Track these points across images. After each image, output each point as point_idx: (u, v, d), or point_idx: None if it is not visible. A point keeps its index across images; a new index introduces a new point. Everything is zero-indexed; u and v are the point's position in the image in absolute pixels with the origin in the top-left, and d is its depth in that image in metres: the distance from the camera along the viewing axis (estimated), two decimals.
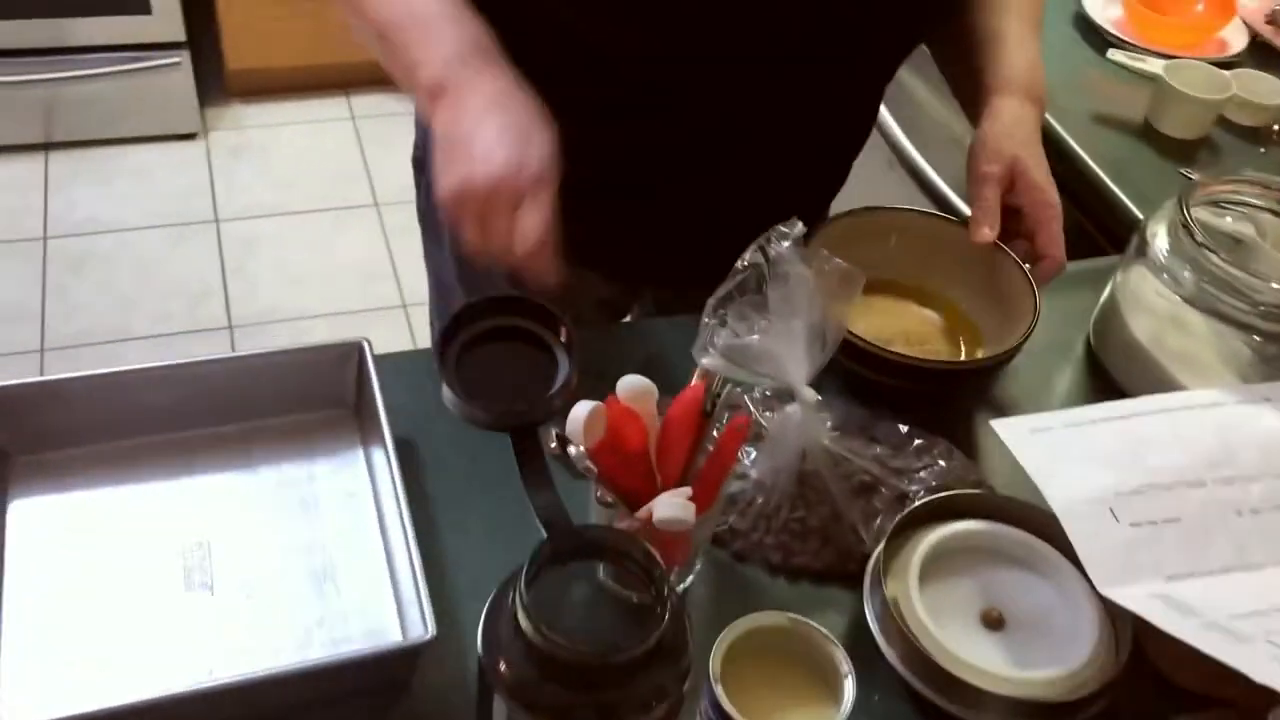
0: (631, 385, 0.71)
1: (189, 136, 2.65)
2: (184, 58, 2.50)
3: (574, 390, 0.59)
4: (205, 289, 2.35)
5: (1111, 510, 0.73)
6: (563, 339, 0.60)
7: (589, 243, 1.00)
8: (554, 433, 0.67)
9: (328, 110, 2.79)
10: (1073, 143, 1.22)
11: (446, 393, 0.57)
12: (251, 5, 2.52)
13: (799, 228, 0.74)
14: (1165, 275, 0.90)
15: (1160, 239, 0.91)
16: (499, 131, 0.74)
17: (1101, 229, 1.18)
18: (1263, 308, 0.86)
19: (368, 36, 0.82)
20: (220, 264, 2.41)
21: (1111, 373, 0.96)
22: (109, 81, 2.48)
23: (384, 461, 0.75)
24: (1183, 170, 1.20)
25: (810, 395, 0.75)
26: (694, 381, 0.73)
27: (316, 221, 2.54)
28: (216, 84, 2.73)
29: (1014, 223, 0.90)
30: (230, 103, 2.75)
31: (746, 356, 0.73)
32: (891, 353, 0.84)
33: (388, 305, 2.38)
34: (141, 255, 2.40)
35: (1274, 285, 0.86)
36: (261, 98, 2.76)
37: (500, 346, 0.59)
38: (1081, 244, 1.18)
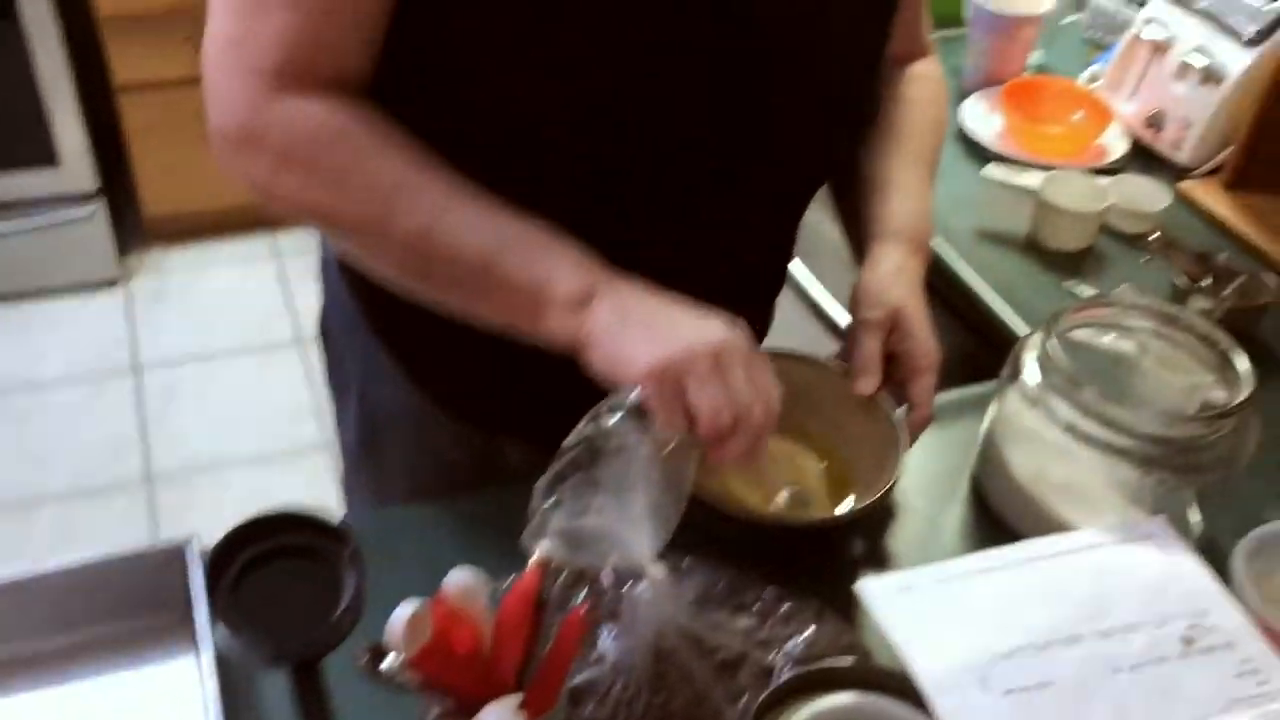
0: (460, 581, 0.66)
1: (109, 284, 2.61)
2: (98, 207, 2.47)
3: (361, 612, 0.55)
4: (124, 441, 2.29)
5: (983, 678, 0.69)
6: (348, 556, 0.56)
7: (508, 408, 0.98)
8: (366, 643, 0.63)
9: (252, 249, 2.76)
10: (958, 262, 1.20)
11: (220, 628, 0.53)
12: (166, 149, 2.50)
13: (632, 397, 0.71)
14: (1040, 407, 0.87)
15: (1031, 370, 0.88)
16: (692, 307, 0.75)
17: (990, 350, 1.15)
18: (1142, 438, 0.83)
19: (443, 277, 0.77)
20: (140, 414, 2.35)
21: (997, 510, 0.92)
22: (23, 237, 2.45)
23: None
24: (1067, 284, 1.18)
25: (658, 572, 0.71)
26: (529, 568, 0.69)
27: (240, 364, 2.49)
28: (135, 229, 2.70)
29: (888, 368, 0.88)
30: (150, 248, 2.72)
31: (585, 539, 0.69)
32: (737, 511, 0.80)
33: (313, 446, 2.32)
34: (59, 410, 2.34)
35: (1150, 415, 0.83)
36: (183, 241, 2.73)
37: (282, 568, 0.54)
38: (970, 367, 1.16)
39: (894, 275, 0.89)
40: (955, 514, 0.93)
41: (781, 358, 0.93)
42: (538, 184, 0.80)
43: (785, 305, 1.06)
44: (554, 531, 0.69)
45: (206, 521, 2.07)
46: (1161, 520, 0.81)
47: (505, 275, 0.75)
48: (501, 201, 0.77)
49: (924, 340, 0.87)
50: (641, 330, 0.73)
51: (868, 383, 0.86)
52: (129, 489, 2.20)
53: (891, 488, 0.83)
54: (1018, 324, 1.14)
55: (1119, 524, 0.81)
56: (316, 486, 2.21)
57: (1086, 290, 1.17)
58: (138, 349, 2.49)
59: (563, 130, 0.79)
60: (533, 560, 0.68)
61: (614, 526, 0.69)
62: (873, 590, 0.75)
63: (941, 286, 1.20)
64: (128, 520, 2.14)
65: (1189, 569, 0.77)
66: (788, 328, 1.08)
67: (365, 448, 1.08)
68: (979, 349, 1.18)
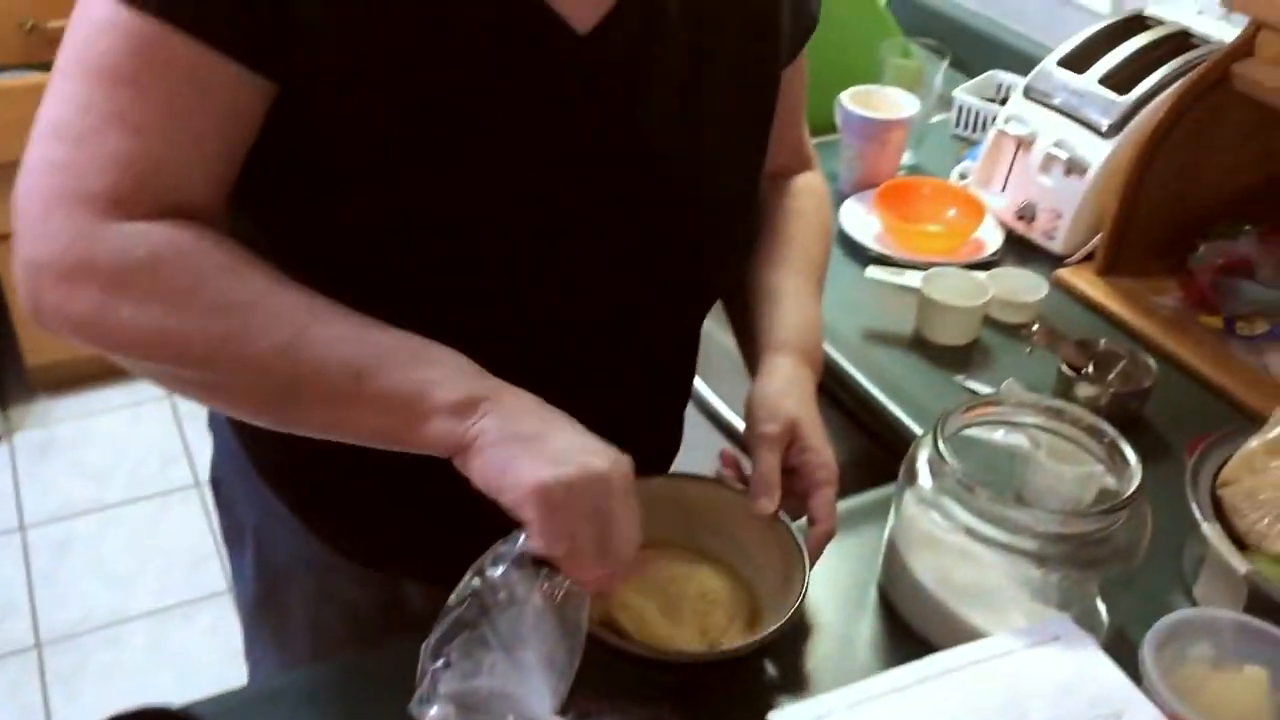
0: None
1: None
2: None
3: None
4: (8, 607, 2.16)
5: None
6: None
7: (408, 549, 0.95)
8: None
9: (143, 391, 2.68)
10: (848, 364, 1.21)
11: None
12: None
13: (519, 543, 0.69)
14: (937, 511, 0.87)
15: (925, 474, 0.88)
16: (579, 431, 0.72)
17: (887, 451, 1.16)
18: (1040, 537, 0.83)
19: (309, 395, 0.72)
20: (26, 576, 2.23)
21: (905, 618, 0.91)
22: None
23: None
24: (957, 379, 1.19)
25: None
26: None
27: (136, 512, 2.39)
28: (17, 381, 2.61)
29: (787, 482, 0.87)
30: (35, 399, 2.62)
31: (478, 701, 0.65)
32: (640, 649, 0.77)
33: (215, 591, 2.23)
34: None
35: (1044, 514, 0.83)
36: (69, 389, 2.64)
37: None
38: (869, 470, 1.16)
39: (786, 387, 0.89)
40: (865, 626, 0.92)
41: (678, 479, 0.92)
42: (423, 311, 0.77)
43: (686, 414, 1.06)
44: (445, 695, 0.65)
45: (101, 686, 1.95)
46: (1068, 618, 0.81)
47: (381, 385, 0.71)
48: (373, 318, 0.73)
49: (822, 452, 0.87)
50: (528, 446, 0.70)
51: (767, 502, 0.85)
52: (17, 656, 2.07)
53: (798, 608, 0.80)
54: (912, 423, 1.14)
55: (1027, 626, 0.80)
56: (219, 635, 2.12)
57: (976, 385, 1.18)
58: (23, 507, 2.38)
59: (450, 258, 0.77)
60: None
61: (509, 685, 0.66)
62: None
63: (834, 390, 1.21)
64: (17, 690, 2.01)
65: (1100, 668, 0.77)
66: (687, 436, 1.07)
67: (265, 600, 1.05)
68: (877, 451, 1.18)
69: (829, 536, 0.85)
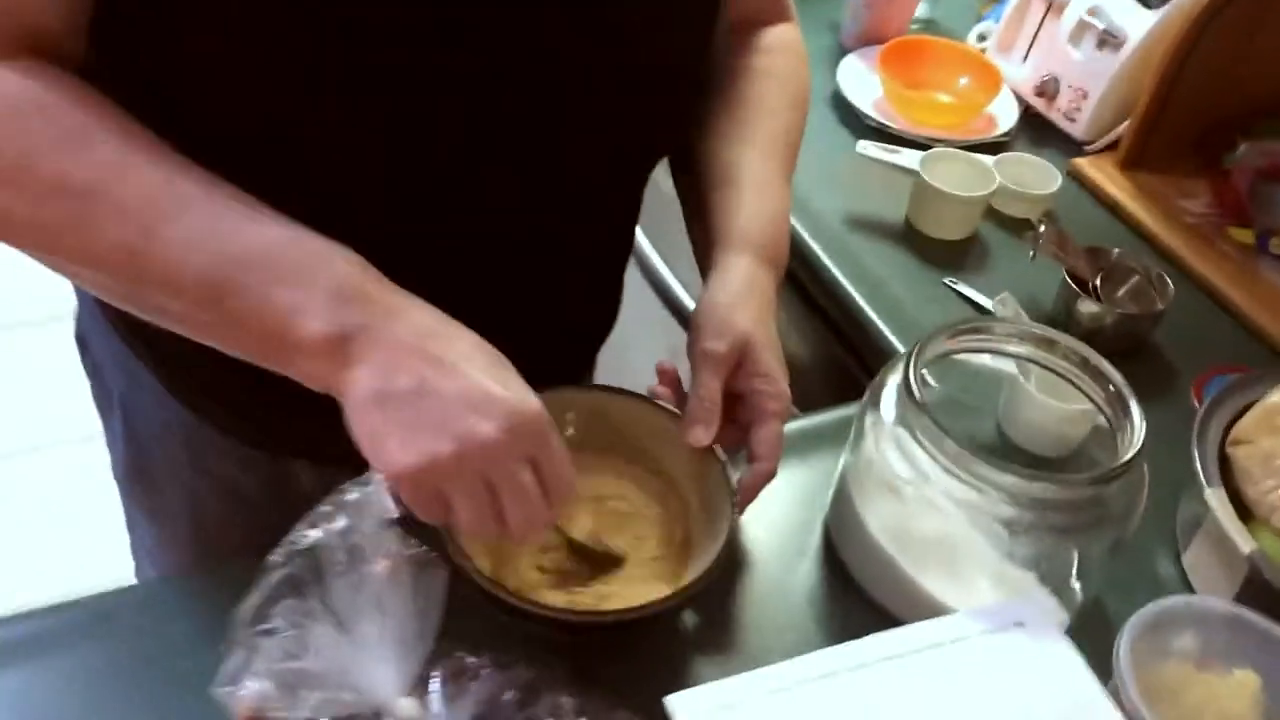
0: None
1: None
2: None
3: None
4: None
5: None
6: None
7: (290, 428, 0.81)
8: None
9: None
10: (823, 254, 1.05)
11: None
12: None
13: (370, 488, 0.55)
14: (898, 452, 0.73)
15: (889, 406, 0.75)
16: (481, 369, 0.60)
17: (860, 362, 1.02)
18: (1018, 501, 0.70)
19: (163, 306, 0.62)
20: None
21: (851, 569, 0.79)
22: None
23: None
24: (947, 279, 1.05)
25: (408, 710, 0.56)
26: None
27: (12, 340, 2.21)
28: None
29: (729, 408, 0.73)
30: None
31: (307, 679, 0.53)
32: (526, 603, 0.65)
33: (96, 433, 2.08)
34: None
35: (1024, 479, 0.69)
36: None
37: None
38: (833, 382, 1.02)
39: (743, 293, 0.74)
40: (804, 572, 0.80)
41: (605, 392, 0.79)
42: (327, 174, 0.65)
43: (632, 286, 0.91)
44: (264, 672, 0.53)
45: None
46: (1036, 597, 0.69)
47: (240, 308, 0.60)
48: (245, 198, 0.60)
49: (775, 379, 0.73)
50: (405, 414, 0.58)
51: (702, 432, 0.72)
52: None
53: (716, 564, 0.68)
54: (890, 333, 0.99)
55: (987, 605, 0.68)
56: (99, 479, 1.98)
57: (967, 289, 1.04)
58: None
59: (357, 104, 0.63)
60: (239, 714, 0.53)
61: (345, 662, 0.54)
62: (684, 707, 0.61)
63: (804, 282, 1.06)
64: None
65: (1064, 664, 0.65)
66: (633, 313, 0.93)
67: (136, 472, 0.94)
68: (844, 357, 1.04)
69: (769, 477, 0.72)
